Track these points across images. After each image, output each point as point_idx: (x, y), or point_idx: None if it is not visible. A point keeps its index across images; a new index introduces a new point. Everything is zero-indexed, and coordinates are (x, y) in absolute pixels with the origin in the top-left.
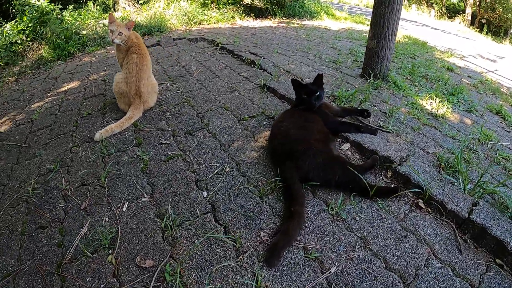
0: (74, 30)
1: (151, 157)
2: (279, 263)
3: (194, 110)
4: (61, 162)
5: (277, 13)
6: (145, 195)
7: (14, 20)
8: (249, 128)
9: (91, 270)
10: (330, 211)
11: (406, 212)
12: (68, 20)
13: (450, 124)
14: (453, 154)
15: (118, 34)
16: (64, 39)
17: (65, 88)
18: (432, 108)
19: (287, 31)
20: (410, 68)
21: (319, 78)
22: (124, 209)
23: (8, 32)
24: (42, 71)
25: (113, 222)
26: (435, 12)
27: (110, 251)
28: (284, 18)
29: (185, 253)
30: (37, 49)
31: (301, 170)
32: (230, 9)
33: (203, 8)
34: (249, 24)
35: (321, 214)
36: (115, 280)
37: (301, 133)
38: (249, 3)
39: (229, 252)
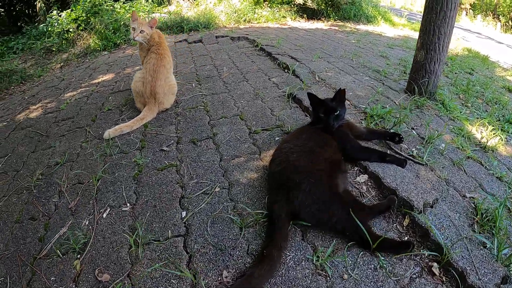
0: (122, 22)
1: (147, 164)
2: None
3: (208, 116)
4: (68, 156)
5: (331, 15)
6: (128, 205)
7: (70, 9)
8: (258, 143)
9: (57, 270)
10: (314, 261)
11: (414, 276)
12: (119, 11)
13: (501, 160)
14: (497, 201)
15: (140, 32)
16: (112, 30)
17: (99, 80)
18: (482, 137)
19: (337, 35)
20: (465, 86)
21: (340, 93)
22: (105, 215)
23: (63, 20)
24: (87, 60)
25: (90, 227)
26: (501, 24)
27: (79, 256)
28: (338, 21)
29: (141, 275)
30: (86, 38)
31: (291, 204)
32: (282, 8)
33: (254, 7)
34: (299, 25)
35: (303, 263)
36: (73, 286)
37: (303, 159)
38: (301, 3)
39: (184, 287)
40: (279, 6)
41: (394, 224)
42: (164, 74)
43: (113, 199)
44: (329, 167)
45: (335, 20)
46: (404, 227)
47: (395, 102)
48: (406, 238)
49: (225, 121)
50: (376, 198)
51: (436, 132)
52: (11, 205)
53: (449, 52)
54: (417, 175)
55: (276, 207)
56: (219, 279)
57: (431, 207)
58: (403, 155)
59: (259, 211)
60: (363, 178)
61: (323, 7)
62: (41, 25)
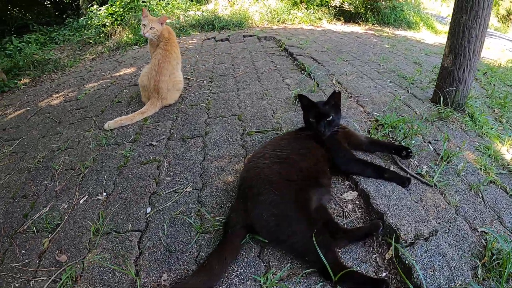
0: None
1: (133, 157)
2: None
3: (207, 114)
4: (70, 143)
5: (369, 19)
6: (104, 194)
7: (110, 4)
8: (247, 146)
9: (28, 245)
10: (262, 283)
11: None
12: (154, 8)
13: None
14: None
15: (150, 28)
16: None
17: (121, 73)
18: None
19: (371, 39)
20: (502, 99)
21: (335, 97)
22: (81, 201)
23: (102, 14)
24: (117, 53)
25: (66, 211)
26: None
27: (49, 235)
28: (377, 25)
29: (91, 262)
30: (120, 32)
31: (248, 216)
32: (320, 10)
33: (290, 8)
34: (334, 28)
35: (248, 283)
36: (37, 261)
37: (274, 167)
38: (338, 5)
39: (124, 281)
40: (316, 8)
41: (374, 255)
42: (169, 70)
43: (93, 187)
44: (303, 178)
45: (373, 24)
46: (385, 261)
47: (416, 112)
48: (384, 274)
49: (222, 120)
50: (361, 220)
51: (456, 149)
52: (12, 182)
53: (490, 62)
54: (420, 198)
55: (233, 216)
56: (158, 280)
57: (426, 240)
58: (408, 172)
59: (219, 218)
60: (351, 195)
61: (362, 11)
62: (81, 18)
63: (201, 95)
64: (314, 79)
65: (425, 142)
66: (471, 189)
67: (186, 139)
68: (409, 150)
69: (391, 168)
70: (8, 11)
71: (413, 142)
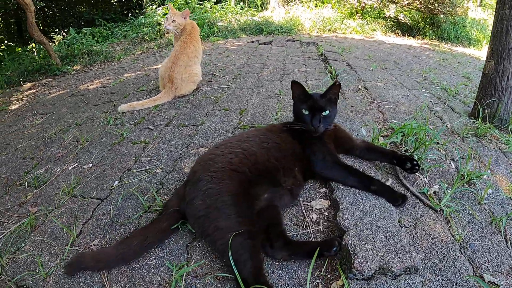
0: (207, 20)
1: (128, 137)
2: (73, 273)
3: (212, 106)
4: (85, 121)
5: (427, 34)
6: (90, 164)
7: (166, 4)
8: None
9: (17, 195)
10: (174, 272)
11: None
12: (207, 10)
13: None
14: None
15: (172, 21)
16: None
17: (157, 66)
18: None
19: (423, 52)
20: None
21: (333, 89)
22: (70, 168)
23: (160, 13)
24: (165, 50)
25: (56, 174)
26: None
27: (34, 191)
28: (435, 40)
29: (50, 217)
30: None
31: (182, 201)
32: (375, 22)
33: (343, 17)
34: (387, 40)
35: (161, 269)
36: (17, 209)
37: (227, 157)
38: (393, 16)
39: (65, 238)
40: (371, 20)
41: (318, 281)
42: (185, 62)
43: (84, 158)
44: (256, 173)
45: (431, 39)
46: None
47: (446, 126)
48: None
49: (222, 113)
50: (322, 235)
51: (481, 170)
52: (29, 147)
53: None
54: (414, 223)
55: (172, 199)
56: (91, 243)
57: (394, 277)
58: (409, 189)
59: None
60: (320, 203)
61: (421, 25)
62: (140, 17)
63: (217, 90)
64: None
65: (447, 159)
66: (491, 222)
67: (181, 127)
68: (415, 163)
69: (388, 183)
70: (76, 6)
71: (427, 155)
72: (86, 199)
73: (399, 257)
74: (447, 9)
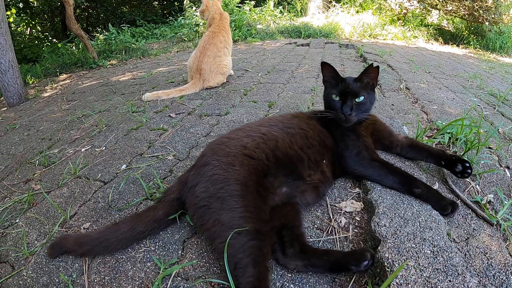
0: (245, 22)
1: (147, 124)
2: (54, 256)
3: (240, 98)
4: (109, 107)
5: (471, 43)
6: (103, 147)
7: None
8: None
9: (25, 172)
10: (161, 270)
11: None
12: (245, 12)
13: None
14: None
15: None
16: (234, 28)
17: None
18: None
19: (468, 60)
20: None
21: (371, 71)
22: (83, 150)
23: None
24: None
25: (67, 155)
26: None
27: (43, 169)
28: (479, 49)
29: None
30: None
31: (184, 186)
32: (418, 29)
33: (384, 23)
34: (429, 47)
35: (148, 264)
36: (22, 185)
37: (242, 140)
38: (436, 22)
39: (58, 218)
40: (414, 27)
41: None
42: (214, 52)
43: (99, 141)
44: (274, 161)
45: (475, 48)
46: None
47: (498, 130)
48: None
49: (250, 105)
50: (350, 244)
51: None
52: (50, 129)
53: None
54: (466, 238)
55: (174, 185)
56: (82, 226)
57: None
58: (460, 196)
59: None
60: (352, 206)
61: (464, 33)
62: (180, 18)
63: (247, 83)
64: (377, 80)
65: (501, 165)
66: None
67: (203, 116)
68: (468, 165)
69: (435, 187)
70: (119, 7)
71: (479, 159)
72: (90, 181)
73: (450, 280)
74: (492, 16)
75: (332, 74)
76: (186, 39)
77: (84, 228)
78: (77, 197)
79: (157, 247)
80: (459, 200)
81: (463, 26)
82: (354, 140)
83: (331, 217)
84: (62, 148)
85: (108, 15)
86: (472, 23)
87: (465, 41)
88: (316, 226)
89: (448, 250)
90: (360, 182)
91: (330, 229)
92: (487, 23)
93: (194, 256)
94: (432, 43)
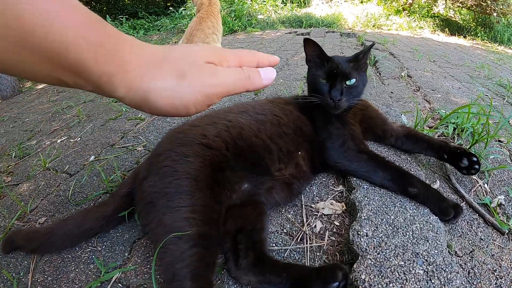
0: (245, 12)
1: (126, 113)
2: (7, 252)
3: None
4: (94, 98)
5: (479, 34)
6: (78, 138)
7: None
8: None
9: (1, 163)
10: (101, 274)
11: None
12: (248, 2)
13: None
14: None
15: None
16: (234, 18)
17: None
18: None
19: (475, 51)
20: None
21: (363, 52)
22: (59, 141)
23: None
24: None
25: (43, 146)
26: None
27: (17, 160)
28: (487, 41)
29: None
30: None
31: (136, 179)
32: (424, 20)
33: (389, 14)
34: (435, 38)
35: (91, 266)
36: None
37: (203, 128)
38: (442, 12)
39: (17, 211)
40: (419, 17)
41: None
42: (201, 39)
43: (76, 132)
44: (237, 151)
45: (482, 40)
46: None
47: (509, 122)
48: None
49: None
50: (324, 256)
51: None
52: (35, 121)
53: None
54: (471, 250)
55: (128, 178)
56: (38, 220)
57: None
58: (465, 198)
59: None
60: (331, 208)
61: (472, 25)
62: (181, 9)
63: None
64: (378, 68)
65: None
66: None
67: None
68: (475, 160)
69: (435, 186)
70: (122, 0)
71: (488, 153)
72: (58, 173)
73: None
74: (501, 7)
75: (317, 52)
76: (185, 29)
77: (39, 223)
78: (42, 190)
79: (104, 247)
80: (464, 202)
81: (470, 17)
82: (338, 128)
83: (304, 220)
84: (40, 139)
85: (110, 8)
86: (480, 14)
87: (472, 33)
88: (285, 231)
89: (447, 269)
90: (345, 179)
91: (301, 235)
92: (495, 14)
93: (139, 260)
94: (438, 34)
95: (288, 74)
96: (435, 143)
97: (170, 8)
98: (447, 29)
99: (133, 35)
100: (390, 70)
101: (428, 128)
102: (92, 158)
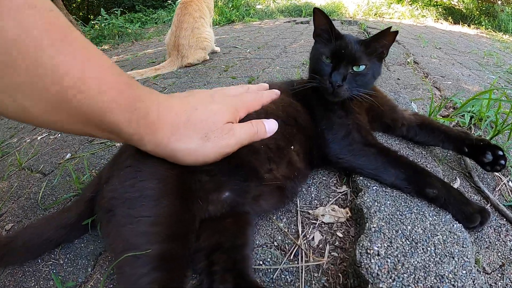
0: (243, 2)
1: None
2: None
3: (218, 74)
4: None
5: (483, 23)
6: (58, 134)
7: None
8: None
9: None
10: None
11: None
12: None
13: None
14: None
15: None
16: (232, 8)
17: None
18: None
19: (480, 39)
20: None
21: (384, 36)
22: (39, 138)
23: None
24: None
25: (23, 144)
26: None
27: None
28: (491, 30)
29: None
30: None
31: (100, 183)
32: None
33: (391, 2)
34: (439, 26)
35: (50, 283)
36: None
37: None
38: (446, 2)
39: None
40: (422, 6)
41: None
42: (191, 23)
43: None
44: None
45: (486, 29)
46: None
47: None
48: None
49: (228, 81)
50: (323, 277)
51: None
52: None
53: None
54: (500, 265)
55: (94, 179)
56: (4, 227)
57: None
58: (490, 200)
59: None
60: (333, 214)
61: (475, 14)
62: (178, 1)
63: (232, 60)
64: None
65: None
66: None
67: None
68: (501, 153)
69: (456, 185)
70: None
71: (509, 146)
72: (33, 173)
73: None
74: None
75: (326, 26)
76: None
77: (5, 230)
78: (14, 192)
79: (66, 260)
80: (489, 205)
81: (473, 5)
82: (341, 117)
83: (300, 231)
84: (22, 137)
85: (107, 2)
86: (483, 3)
87: (476, 22)
88: (276, 244)
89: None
90: (350, 177)
91: (295, 250)
92: (499, 3)
93: (102, 278)
94: (441, 23)
95: (285, 61)
96: (453, 134)
97: (168, 0)
98: (450, 17)
99: (128, 28)
100: (395, 56)
101: (441, 118)
102: (68, 155)
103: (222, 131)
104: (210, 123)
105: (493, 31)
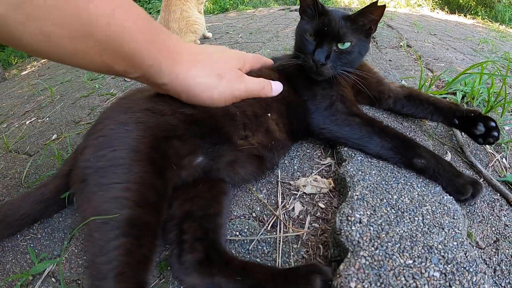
0: None
1: (98, 90)
2: None
3: None
4: (73, 78)
5: (479, 13)
6: (47, 118)
7: None
8: None
9: None
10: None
11: None
12: None
13: None
14: None
15: None
16: None
17: None
18: None
19: (476, 29)
20: None
21: (371, 10)
22: (27, 122)
23: None
24: None
25: (11, 128)
26: None
27: None
28: (487, 21)
29: None
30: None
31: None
32: None
33: None
34: (434, 15)
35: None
36: None
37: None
38: None
39: None
40: None
41: None
42: (179, 6)
43: (46, 112)
44: (185, 120)
45: (483, 19)
46: None
47: None
48: None
49: None
50: (303, 249)
51: None
52: (11, 105)
53: None
54: (494, 240)
55: (72, 152)
56: None
57: None
58: (482, 173)
59: None
60: (315, 185)
61: (472, 4)
62: None
63: (223, 44)
64: (374, 38)
65: None
66: None
67: None
68: (494, 125)
69: (448, 158)
70: None
71: (503, 122)
72: (20, 154)
73: None
74: None
75: (312, 2)
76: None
77: None
78: (0, 173)
79: (44, 234)
80: (482, 179)
81: None
82: (325, 88)
83: (279, 201)
84: (11, 122)
85: None
86: None
87: (472, 12)
88: (254, 214)
89: (471, 269)
90: (334, 149)
91: (273, 220)
92: None
93: (77, 250)
94: (437, 12)
95: (276, 45)
96: (443, 106)
97: None
98: (446, 7)
99: None
100: (388, 39)
101: (432, 92)
102: (54, 136)
103: (235, 74)
104: (225, 65)
105: (490, 21)
